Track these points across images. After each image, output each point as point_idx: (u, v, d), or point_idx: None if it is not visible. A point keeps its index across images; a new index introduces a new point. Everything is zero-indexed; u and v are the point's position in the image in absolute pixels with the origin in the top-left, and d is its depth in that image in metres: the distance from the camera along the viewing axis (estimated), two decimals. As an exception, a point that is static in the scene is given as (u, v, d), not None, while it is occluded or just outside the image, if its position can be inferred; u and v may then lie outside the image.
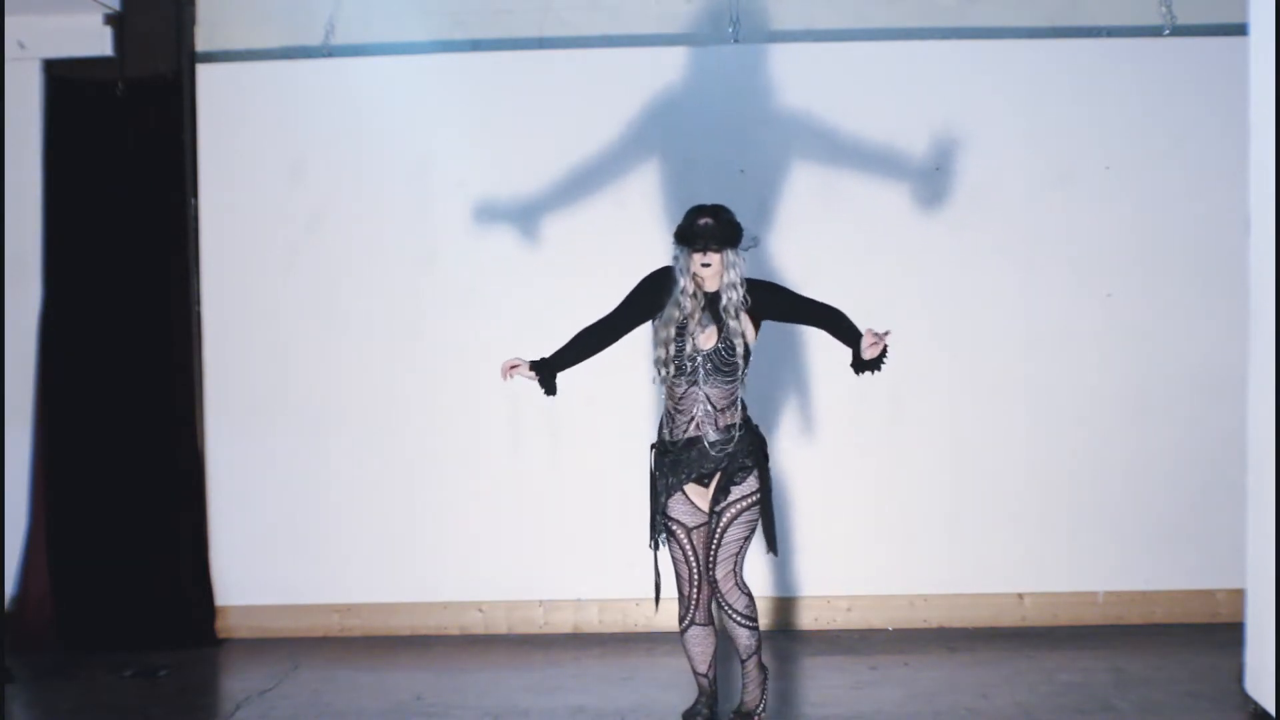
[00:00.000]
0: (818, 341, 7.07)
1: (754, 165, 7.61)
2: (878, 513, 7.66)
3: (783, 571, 7.67)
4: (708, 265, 5.46)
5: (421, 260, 7.70)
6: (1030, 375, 7.64)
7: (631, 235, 7.44)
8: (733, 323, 5.50)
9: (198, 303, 7.76)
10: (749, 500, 5.59)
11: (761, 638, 5.72)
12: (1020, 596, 7.69)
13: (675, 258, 5.52)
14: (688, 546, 5.65)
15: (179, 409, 7.70)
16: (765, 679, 5.79)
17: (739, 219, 5.52)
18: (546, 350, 5.60)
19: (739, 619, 5.63)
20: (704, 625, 5.70)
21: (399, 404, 7.71)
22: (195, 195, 7.73)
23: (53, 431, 7.67)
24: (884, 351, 5.44)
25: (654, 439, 5.69)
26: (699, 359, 5.51)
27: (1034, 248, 7.62)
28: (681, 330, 5.51)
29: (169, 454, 7.70)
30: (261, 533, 7.75)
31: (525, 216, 7.63)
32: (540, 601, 7.76)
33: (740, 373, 5.55)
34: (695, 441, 5.57)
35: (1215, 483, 7.48)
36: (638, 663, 7.16)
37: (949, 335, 7.62)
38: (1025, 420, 7.64)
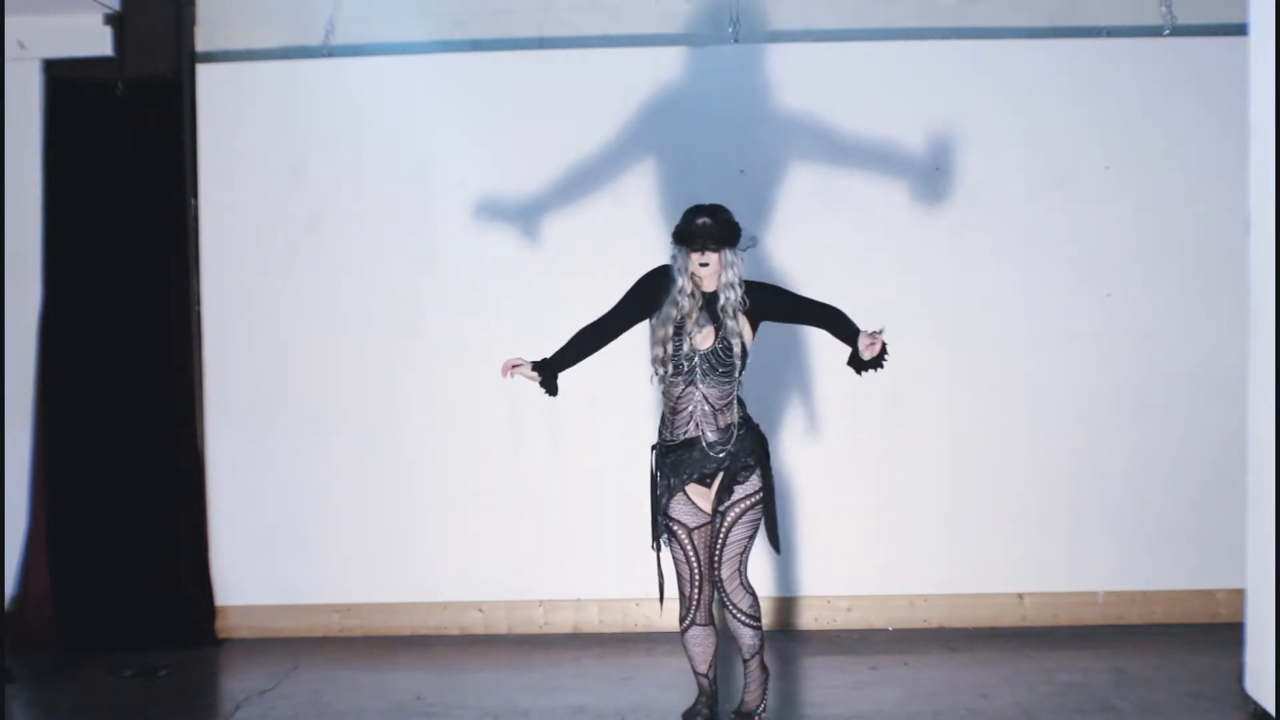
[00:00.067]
0: (818, 341, 7.08)
1: (753, 165, 7.60)
2: (878, 513, 7.66)
3: (783, 571, 7.67)
4: (706, 265, 5.47)
5: (421, 260, 7.70)
6: (1030, 375, 7.64)
7: (631, 235, 7.44)
8: (730, 323, 5.50)
9: (198, 303, 7.76)
10: (752, 500, 5.60)
11: (764, 638, 5.73)
12: (1020, 596, 7.69)
13: (673, 257, 5.52)
14: (689, 547, 5.65)
15: (179, 409, 7.71)
16: (767, 679, 5.79)
17: (738, 219, 5.53)
18: (546, 350, 5.61)
19: (743, 618, 5.64)
20: (705, 625, 5.70)
21: (399, 404, 7.71)
22: (195, 195, 7.73)
23: (53, 431, 7.67)
24: (884, 350, 5.45)
25: (654, 440, 5.70)
26: (696, 359, 5.51)
27: (1034, 247, 7.62)
28: (679, 330, 5.51)
29: (169, 454, 7.70)
30: (261, 533, 7.75)
31: (525, 216, 7.63)
32: (540, 601, 7.76)
33: (737, 373, 5.55)
34: (695, 442, 5.57)
35: (1215, 483, 7.48)
36: (638, 663, 7.16)
37: (949, 335, 7.62)
38: (1025, 420, 7.64)
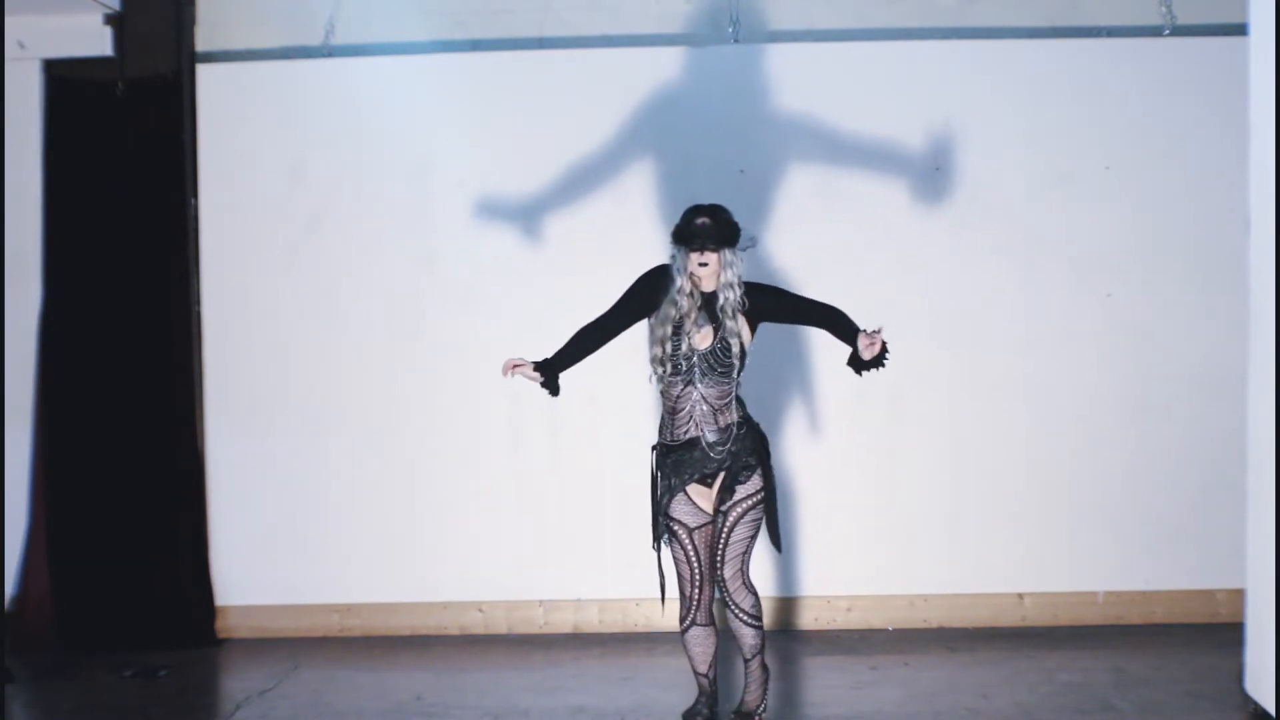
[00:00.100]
0: (818, 341, 7.08)
1: (753, 165, 7.60)
2: (878, 513, 7.66)
3: (783, 571, 7.67)
4: (705, 265, 5.46)
5: (421, 260, 7.70)
6: (1030, 375, 7.64)
7: (631, 235, 7.44)
8: (729, 323, 5.50)
9: (198, 303, 7.76)
10: (754, 499, 5.60)
11: (765, 637, 5.73)
12: (1020, 596, 7.69)
13: (673, 257, 5.52)
14: (689, 547, 5.65)
15: (179, 409, 7.71)
16: (767, 679, 5.79)
17: (738, 219, 5.52)
18: (546, 350, 5.61)
19: (745, 618, 5.64)
20: (705, 625, 5.70)
21: (399, 404, 7.71)
22: (195, 195, 7.73)
23: (53, 431, 7.67)
24: (884, 350, 5.44)
25: (654, 440, 5.70)
26: (695, 358, 5.51)
27: (1034, 247, 7.62)
28: (678, 329, 5.51)
29: (169, 454, 7.70)
30: (261, 533, 7.75)
31: (525, 216, 7.63)
32: (540, 601, 7.76)
33: (736, 373, 5.55)
34: (695, 442, 5.57)
35: (1215, 483, 7.48)
36: (638, 663, 7.16)
37: (949, 335, 7.62)
38: (1025, 420, 7.64)
